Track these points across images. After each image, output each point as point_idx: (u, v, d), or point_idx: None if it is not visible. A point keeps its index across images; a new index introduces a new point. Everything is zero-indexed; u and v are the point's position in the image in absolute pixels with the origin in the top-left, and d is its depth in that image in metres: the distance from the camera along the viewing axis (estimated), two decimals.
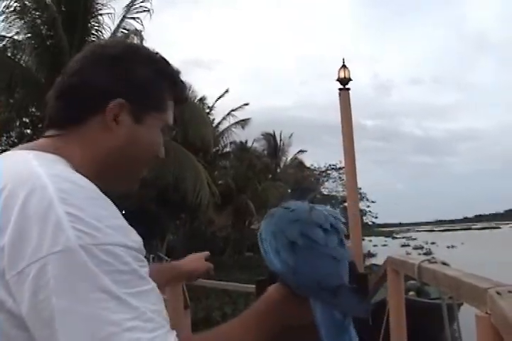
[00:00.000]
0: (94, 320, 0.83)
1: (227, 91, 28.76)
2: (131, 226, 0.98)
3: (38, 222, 0.86)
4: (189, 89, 24.02)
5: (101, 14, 17.96)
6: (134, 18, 18.39)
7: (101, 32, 18.42)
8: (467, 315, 1.63)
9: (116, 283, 0.87)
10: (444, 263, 2.61)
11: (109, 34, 18.35)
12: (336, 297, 1.10)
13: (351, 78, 7.96)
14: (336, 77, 7.98)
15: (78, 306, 0.83)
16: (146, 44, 19.01)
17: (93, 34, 18.11)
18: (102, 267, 0.86)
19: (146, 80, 1.14)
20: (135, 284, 0.89)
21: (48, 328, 0.84)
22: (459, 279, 1.92)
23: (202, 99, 27.33)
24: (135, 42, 18.77)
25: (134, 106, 1.11)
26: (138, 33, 18.65)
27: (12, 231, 0.87)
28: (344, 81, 7.95)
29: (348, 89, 7.94)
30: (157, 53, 1.20)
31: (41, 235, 0.85)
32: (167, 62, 1.20)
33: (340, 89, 7.97)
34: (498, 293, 1.54)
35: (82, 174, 0.99)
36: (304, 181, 33.03)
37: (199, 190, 18.64)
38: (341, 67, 8.07)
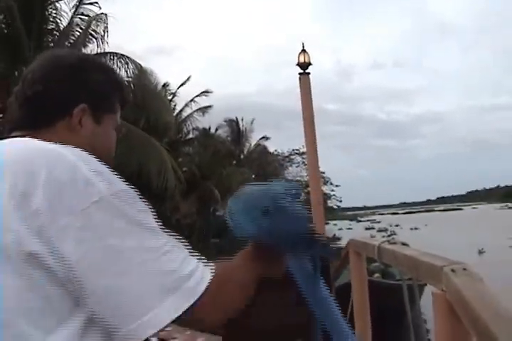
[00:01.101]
0: (144, 250, 1.05)
1: (189, 78, 28.58)
2: None
3: (69, 182, 1.03)
4: (152, 76, 23.78)
5: (57, 0, 17.63)
6: (91, 3, 18.08)
7: (59, 19, 18.13)
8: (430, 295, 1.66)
9: (145, 218, 1.09)
10: (404, 244, 2.65)
11: (67, 21, 18.07)
12: (310, 248, 1.32)
13: (311, 62, 7.97)
14: (296, 62, 7.99)
15: (128, 241, 1.03)
16: (110, 30, 18.83)
17: (51, 21, 17.80)
18: (131, 207, 1.07)
19: (101, 86, 1.32)
20: (154, 219, 1.12)
21: (102, 270, 1.01)
22: (416, 258, 1.95)
23: (165, 86, 27.11)
24: (98, 28, 18.51)
25: (94, 110, 1.30)
26: (101, 18, 18.35)
27: (45, 194, 1.00)
28: (304, 65, 7.95)
29: (308, 73, 7.94)
30: (105, 62, 1.47)
31: (76, 192, 1.03)
32: (114, 71, 1.42)
33: (300, 73, 7.98)
34: (452, 271, 1.57)
35: None
36: (267, 166, 33.07)
37: (165, 175, 18.54)
38: (301, 52, 8.07)
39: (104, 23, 18.37)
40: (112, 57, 19.45)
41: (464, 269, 1.57)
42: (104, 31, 18.47)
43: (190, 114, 28.19)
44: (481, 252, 24.21)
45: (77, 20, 18.49)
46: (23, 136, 1.21)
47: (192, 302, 1.07)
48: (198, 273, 1.11)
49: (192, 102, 28.32)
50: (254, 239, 1.33)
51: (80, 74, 1.29)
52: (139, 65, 19.95)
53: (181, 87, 28.22)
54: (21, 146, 1.14)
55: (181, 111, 28.27)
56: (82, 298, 1.02)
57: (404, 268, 2.28)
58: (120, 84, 1.42)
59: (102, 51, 19.10)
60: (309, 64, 7.93)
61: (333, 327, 1.57)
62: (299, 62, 7.96)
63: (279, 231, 1.29)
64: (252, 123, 35.36)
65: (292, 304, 2.39)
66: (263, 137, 36.11)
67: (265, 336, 2.60)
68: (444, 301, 1.58)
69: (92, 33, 18.70)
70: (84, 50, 18.56)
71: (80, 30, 18.52)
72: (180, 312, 1.06)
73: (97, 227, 1.01)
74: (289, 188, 1.43)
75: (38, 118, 1.25)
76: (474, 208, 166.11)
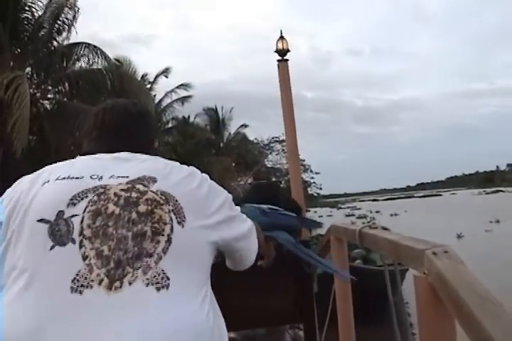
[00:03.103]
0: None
1: (167, 69, 28.39)
2: None
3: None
4: (129, 65, 23.59)
5: None
6: None
7: (35, 9, 17.93)
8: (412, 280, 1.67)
9: None
10: (384, 228, 2.67)
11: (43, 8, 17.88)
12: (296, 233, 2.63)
13: (289, 49, 7.96)
14: (275, 49, 7.97)
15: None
16: (80, 18, 18.63)
17: (27, 10, 17.60)
18: None
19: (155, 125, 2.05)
20: None
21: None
22: (397, 242, 1.95)
23: (143, 76, 26.95)
24: (68, 16, 18.31)
25: (158, 141, 1.96)
26: (71, 5, 18.15)
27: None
28: (282, 52, 7.93)
29: (287, 60, 7.93)
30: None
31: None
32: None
33: (278, 60, 7.96)
34: (434, 254, 1.58)
35: None
36: (247, 155, 33.03)
37: None
38: (279, 39, 8.05)
39: (74, 10, 18.19)
40: (83, 48, 19.32)
41: (446, 252, 1.58)
42: (73, 18, 18.29)
43: (170, 104, 28.09)
44: (459, 236, 24.44)
45: (52, 9, 18.29)
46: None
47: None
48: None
49: (172, 92, 28.19)
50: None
51: (152, 118, 1.96)
52: (109, 57, 19.83)
53: (160, 77, 28.07)
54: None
55: (161, 101, 28.14)
56: None
57: (385, 253, 2.28)
58: None
59: (74, 41, 18.97)
60: (287, 51, 7.92)
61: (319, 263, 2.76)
62: (277, 49, 7.94)
63: (276, 222, 2.50)
64: (231, 111, 35.30)
65: (277, 289, 2.47)
66: (242, 125, 36.05)
67: (246, 319, 2.61)
68: (425, 284, 1.58)
69: (65, 20, 18.53)
70: (58, 39, 18.44)
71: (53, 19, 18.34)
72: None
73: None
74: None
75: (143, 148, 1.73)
76: (453, 194, 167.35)
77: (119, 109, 1.77)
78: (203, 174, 1.67)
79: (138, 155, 1.62)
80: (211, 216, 1.53)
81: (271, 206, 2.70)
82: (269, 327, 2.74)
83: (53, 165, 1.56)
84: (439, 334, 1.57)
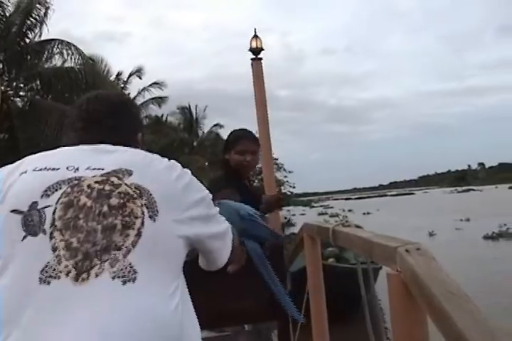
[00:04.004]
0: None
1: (141, 68, 28.23)
2: None
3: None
4: (102, 63, 23.44)
5: None
6: None
7: (5, 5, 17.73)
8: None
9: None
10: (358, 226, 2.68)
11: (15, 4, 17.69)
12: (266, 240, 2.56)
13: (263, 48, 7.95)
14: (248, 47, 7.95)
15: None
16: (53, 15, 18.44)
17: None
18: None
19: (141, 117, 2.09)
20: None
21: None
22: (370, 240, 1.97)
23: (118, 75, 26.79)
24: (40, 12, 18.13)
25: (142, 134, 1.89)
26: (43, 1, 17.97)
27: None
28: (256, 51, 7.92)
29: (261, 58, 7.92)
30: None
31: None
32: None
33: (252, 59, 7.95)
34: (407, 251, 1.59)
35: None
36: (220, 154, 33.02)
37: None
38: (253, 37, 8.03)
39: (45, 6, 18.03)
40: (56, 45, 19.12)
41: (418, 249, 1.60)
42: (45, 15, 18.12)
43: (144, 103, 27.95)
44: (431, 234, 24.71)
45: (23, 5, 18.11)
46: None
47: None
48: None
49: (145, 91, 28.06)
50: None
51: (136, 111, 1.96)
52: (83, 54, 19.66)
53: (134, 75, 27.92)
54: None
55: (134, 99, 28.00)
56: None
57: (358, 250, 2.30)
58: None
59: (47, 38, 18.77)
60: (261, 49, 7.91)
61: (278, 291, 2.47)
62: (251, 48, 7.92)
63: (250, 230, 2.44)
64: (204, 110, 35.20)
65: (250, 287, 2.47)
66: (216, 124, 35.98)
67: (221, 318, 2.62)
68: (398, 281, 1.60)
69: (37, 17, 18.35)
70: (30, 36, 18.25)
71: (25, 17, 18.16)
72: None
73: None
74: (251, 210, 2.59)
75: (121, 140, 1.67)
76: (426, 192, 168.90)
77: (102, 99, 1.76)
78: (186, 169, 1.65)
79: (120, 147, 1.61)
80: (186, 210, 1.52)
81: (251, 209, 2.58)
82: (243, 325, 2.74)
83: (33, 156, 1.55)
84: (411, 330, 1.58)
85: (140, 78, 27.91)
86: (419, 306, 1.49)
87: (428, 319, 1.48)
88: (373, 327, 3.21)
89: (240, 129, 3.87)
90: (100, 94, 1.81)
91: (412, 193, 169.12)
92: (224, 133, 36.72)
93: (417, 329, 1.57)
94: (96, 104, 1.73)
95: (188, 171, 1.65)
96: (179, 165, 1.65)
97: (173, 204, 1.49)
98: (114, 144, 1.61)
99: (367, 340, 3.17)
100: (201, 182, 1.69)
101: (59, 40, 19.29)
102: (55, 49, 19.37)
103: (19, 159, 1.55)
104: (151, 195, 1.45)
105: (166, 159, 1.64)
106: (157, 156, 1.62)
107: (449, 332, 1.21)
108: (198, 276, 2.52)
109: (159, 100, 28.34)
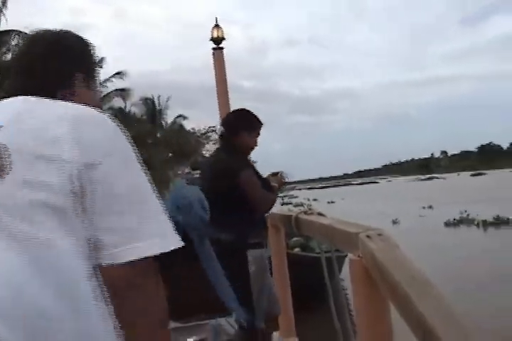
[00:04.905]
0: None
1: (101, 59, 27.90)
2: None
3: None
4: None
5: None
6: None
7: None
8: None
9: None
10: (320, 214, 2.68)
11: None
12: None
13: (224, 37, 7.92)
14: (210, 37, 7.93)
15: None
16: (10, 5, 18.07)
17: None
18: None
19: (91, 58, 1.59)
20: None
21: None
22: (332, 227, 1.97)
23: None
24: None
25: (87, 78, 1.54)
26: None
27: None
28: (217, 40, 7.89)
29: (222, 48, 7.89)
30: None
31: None
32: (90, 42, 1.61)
33: (214, 48, 7.92)
34: (368, 237, 1.59)
35: None
36: (185, 145, 32.85)
37: None
38: (214, 27, 8.00)
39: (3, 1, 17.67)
40: (14, 36, 18.75)
41: (379, 234, 1.60)
42: (3, 5, 17.76)
43: (107, 94, 27.67)
44: (395, 222, 24.96)
45: None
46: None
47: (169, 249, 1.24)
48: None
49: (107, 82, 27.77)
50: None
51: (76, 48, 1.55)
52: None
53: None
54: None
55: None
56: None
57: (321, 237, 2.30)
58: (96, 53, 1.61)
59: (4, 29, 18.41)
60: (223, 39, 7.88)
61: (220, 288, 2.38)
62: (212, 37, 7.89)
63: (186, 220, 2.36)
64: (167, 101, 35.01)
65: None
66: (180, 115, 35.83)
67: (187, 308, 2.59)
68: (360, 267, 1.60)
69: None
70: None
71: None
72: (158, 252, 1.21)
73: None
74: (199, 196, 2.54)
75: (43, 88, 1.41)
76: (389, 181, 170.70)
77: (27, 42, 1.56)
78: (110, 124, 1.35)
79: (30, 98, 1.35)
80: (54, 170, 1.20)
81: (202, 201, 2.57)
82: (208, 315, 2.72)
83: None
84: (374, 315, 1.59)
85: (101, 67, 27.60)
86: (380, 291, 1.49)
87: (390, 304, 1.48)
88: (338, 315, 3.22)
89: (250, 112, 3.77)
90: (27, 35, 1.63)
91: (376, 182, 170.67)
92: (187, 125, 36.64)
93: (379, 315, 1.57)
94: (20, 50, 1.55)
95: (108, 127, 1.36)
96: (93, 118, 1.35)
97: (35, 162, 1.22)
98: (38, 92, 1.37)
99: (332, 328, 3.17)
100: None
101: (17, 31, 18.88)
102: (13, 41, 18.95)
103: None
104: (8, 151, 1.21)
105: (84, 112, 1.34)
106: (62, 107, 1.32)
107: (411, 317, 1.20)
108: (166, 266, 2.52)
109: (122, 92, 28.10)
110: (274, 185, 3.73)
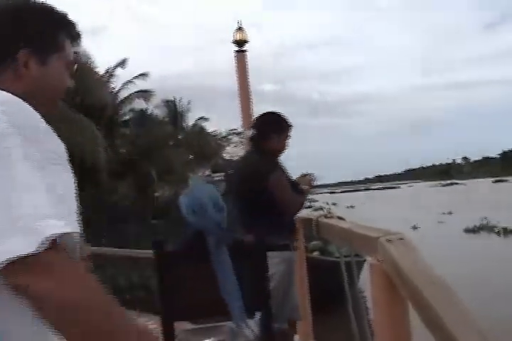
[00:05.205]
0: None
1: (125, 60, 28.05)
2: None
3: None
4: (86, 56, 23.26)
5: None
6: None
7: None
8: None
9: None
10: (340, 218, 2.68)
11: None
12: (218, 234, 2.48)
13: (247, 40, 7.92)
14: (232, 40, 7.93)
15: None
16: None
17: None
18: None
19: (42, 28, 1.33)
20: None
21: None
22: (352, 230, 1.97)
23: (108, 72, 26.63)
24: None
25: (37, 52, 1.30)
26: None
27: None
28: (240, 43, 7.90)
29: (244, 51, 7.89)
30: (44, 3, 1.39)
31: None
32: (55, 9, 1.38)
33: (236, 51, 7.92)
34: (388, 241, 1.59)
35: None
36: (205, 147, 32.93)
37: (97, 156, 18.25)
38: (237, 29, 8.00)
39: None
40: None
41: (400, 239, 1.59)
42: None
43: (128, 96, 27.81)
44: (415, 228, 24.82)
45: None
46: None
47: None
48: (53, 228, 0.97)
49: (129, 83, 27.92)
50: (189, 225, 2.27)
51: (17, 19, 1.31)
52: None
53: (118, 69, 27.74)
54: None
55: (118, 92, 27.84)
56: None
57: (341, 241, 2.30)
58: (63, 20, 1.39)
59: None
60: (245, 41, 7.87)
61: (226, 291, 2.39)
62: (235, 40, 7.90)
63: (201, 224, 2.46)
64: (189, 103, 35.07)
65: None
66: (201, 118, 35.86)
67: (203, 309, 2.60)
68: (380, 271, 1.59)
69: None
70: None
71: None
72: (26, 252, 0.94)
73: None
74: (214, 197, 2.55)
75: None
76: (410, 186, 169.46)
77: None
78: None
79: None
80: None
81: (216, 202, 2.58)
82: (226, 317, 2.72)
83: None
84: (393, 319, 1.58)
85: (123, 69, 27.73)
86: (400, 296, 1.49)
87: (409, 308, 1.48)
88: (356, 319, 3.21)
89: (280, 115, 3.78)
90: None
91: (397, 187, 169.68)
92: (208, 127, 36.71)
93: (398, 319, 1.57)
94: None
95: None
96: None
97: None
98: None
99: (350, 332, 3.17)
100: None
101: None
102: None
103: None
104: None
105: None
106: None
107: (430, 321, 1.21)
108: (179, 266, 2.53)
109: (144, 94, 28.20)
110: (304, 187, 3.73)
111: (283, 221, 3.47)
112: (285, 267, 3.37)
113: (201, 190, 2.67)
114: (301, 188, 3.66)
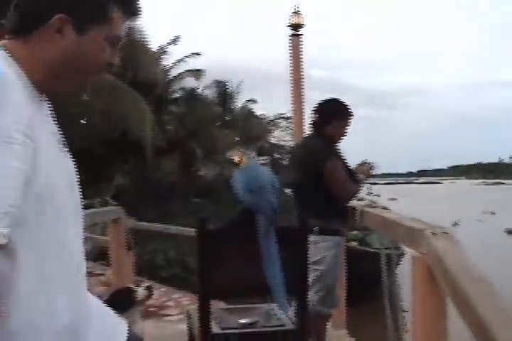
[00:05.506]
0: None
1: (178, 38, 28.09)
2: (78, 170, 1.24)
3: None
4: (140, 32, 23.40)
5: None
6: None
7: None
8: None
9: None
10: (385, 208, 2.67)
11: None
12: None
13: (303, 24, 7.85)
14: (288, 23, 7.86)
15: None
16: None
17: None
18: None
19: None
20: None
21: None
22: (396, 222, 1.96)
23: (162, 49, 26.77)
24: None
25: (77, 20, 1.18)
26: None
27: None
28: (296, 27, 7.83)
29: (300, 35, 7.83)
30: None
31: None
32: None
33: (291, 35, 7.86)
34: (433, 234, 1.58)
35: (30, 76, 1.15)
36: (252, 130, 32.94)
37: (144, 131, 18.39)
38: (294, 13, 7.93)
39: None
40: None
41: (445, 233, 1.59)
42: None
43: (180, 74, 27.91)
44: (455, 224, 24.52)
45: None
46: (10, 40, 1.19)
47: None
48: None
49: (181, 62, 28.01)
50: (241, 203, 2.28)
51: None
52: None
53: (171, 47, 27.83)
54: None
55: (170, 69, 27.96)
56: None
57: (384, 232, 2.29)
58: None
59: None
60: (301, 26, 7.80)
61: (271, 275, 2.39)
62: (290, 23, 7.83)
63: (256, 204, 2.46)
64: (239, 85, 35.04)
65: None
66: (250, 100, 35.80)
67: (241, 289, 2.61)
68: (422, 264, 1.59)
69: None
70: None
71: None
72: None
73: None
74: (272, 180, 2.56)
75: (21, 25, 1.19)
76: (452, 183, 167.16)
77: None
78: None
79: None
80: None
81: (274, 185, 2.58)
82: (262, 298, 2.74)
83: None
84: (430, 312, 1.58)
85: (175, 46, 27.76)
86: (440, 290, 1.48)
87: (448, 303, 1.47)
88: (391, 312, 3.21)
89: (343, 102, 3.80)
90: None
91: (440, 182, 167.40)
92: (256, 109, 36.68)
93: (436, 312, 1.56)
94: None
95: None
96: None
97: None
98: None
99: (383, 323, 3.17)
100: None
101: None
102: None
103: None
104: None
105: None
106: None
107: (469, 316, 1.20)
108: (222, 246, 2.55)
109: (196, 73, 28.26)
110: (361, 176, 3.73)
111: (337, 206, 3.48)
112: (335, 252, 3.38)
113: (260, 170, 2.68)
114: (357, 177, 3.66)
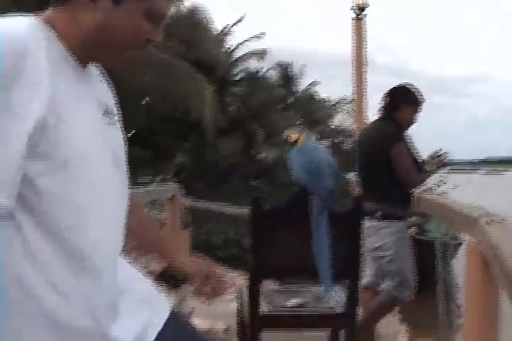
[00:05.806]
0: None
1: (241, 18, 28.05)
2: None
3: None
4: (203, 13, 23.47)
5: None
6: None
7: None
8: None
9: None
10: (442, 195, 2.63)
11: None
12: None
13: (367, 5, 7.68)
14: (352, 5, 7.71)
15: None
16: None
17: None
18: None
19: None
20: None
21: None
22: (451, 208, 1.93)
23: (223, 30, 26.83)
24: None
25: None
26: None
27: None
28: (359, 9, 7.70)
29: (362, 18, 7.69)
30: None
31: None
32: None
33: (354, 18, 7.74)
34: (488, 223, 1.55)
35: (66, 43, 1.13)
36: (314, 113, 32.78)
37: (204, 111, 18.48)
38: None
39: None
40: None
41: (501, 222, 1.55)
42: None
43: (243, 55, 27.93)
44: None
45: None
46: (49, 9, 1.16)
47: None
48: None
49: (245, 42, 28.01)
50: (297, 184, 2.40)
51: None
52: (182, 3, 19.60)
53: (235, 27, 27.83)
54: None
55: (233, 50, 28.01)
56: None
57: (440, 218, 2.26)
58: None
59: None
60: (364, 8, 7.65)
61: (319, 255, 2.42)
62: (353, 6, 7.70)
63: (312, 185, 2.47)
64: (303, 68, 34.84)
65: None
66: (312, 82, 35.58)
67: (292, 270, 2.62)
68: (476, 252, 1.56)
69: None
70: None
71: None
72: None
73: None
74: (330, 162, 2.56)
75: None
76: None
77: None
78: None
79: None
80: None
81: (332, 168, 2.59)
82: (312, 280, 2.73)
83: None
84: (483, 301, 1.55)
85: (237, 23, 27.72)
86: (494, 278, 1.45)
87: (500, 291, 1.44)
88: (445, 299, 3.17)
89: (413, 89, 3.80)
90: None
91: (503, 174, 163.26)
92: (319, 93, 36.42)
93: (489, 301, 1.54)
94: None
95: None
96: None
97: None
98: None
99: (435, 310, 3.14)
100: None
101: None
102: None
103: None
104: None
105: None
106: None
107: None
108: (276, 227, 2.55)
109: (259, 54, 28.22)
110: (432, 168, 3.71)
111: (402, 191, 3.46)
112: (399, 236, 3.37)
113: (317, 151, 2.68)
114: (424, 167, 3.63)
